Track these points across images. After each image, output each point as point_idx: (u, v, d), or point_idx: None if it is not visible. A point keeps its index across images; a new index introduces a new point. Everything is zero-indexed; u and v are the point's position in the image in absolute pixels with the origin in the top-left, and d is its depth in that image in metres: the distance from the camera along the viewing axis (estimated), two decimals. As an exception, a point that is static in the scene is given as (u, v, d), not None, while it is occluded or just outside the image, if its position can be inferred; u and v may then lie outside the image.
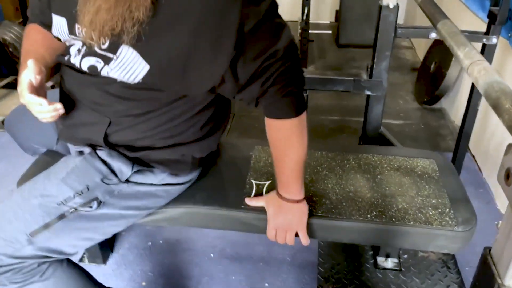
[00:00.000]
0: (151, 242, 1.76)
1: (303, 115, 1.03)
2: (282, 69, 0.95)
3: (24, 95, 0.94)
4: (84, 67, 0.98)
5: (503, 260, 0.46)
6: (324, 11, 4.20)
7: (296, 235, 1.13)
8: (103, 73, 0.95)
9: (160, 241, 1.77)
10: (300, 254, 1.69)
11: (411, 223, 1.10)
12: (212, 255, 1.71)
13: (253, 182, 1.24)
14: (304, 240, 1.14)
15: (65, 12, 0.98)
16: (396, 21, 1.58)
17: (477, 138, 2.13)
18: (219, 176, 1.27)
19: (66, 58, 1.03)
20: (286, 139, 1.04)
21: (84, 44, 0.97)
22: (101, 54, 0.94)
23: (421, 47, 3.48)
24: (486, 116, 2.09)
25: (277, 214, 1.13)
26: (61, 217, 1.03)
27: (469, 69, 0.59)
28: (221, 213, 1.17)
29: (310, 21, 3.17)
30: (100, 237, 1.13)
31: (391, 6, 1.53)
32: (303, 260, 1.66)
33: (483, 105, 1.91)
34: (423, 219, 1.11)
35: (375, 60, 1.68)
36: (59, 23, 1.01)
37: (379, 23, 1.59)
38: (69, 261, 1.14)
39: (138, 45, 0.90)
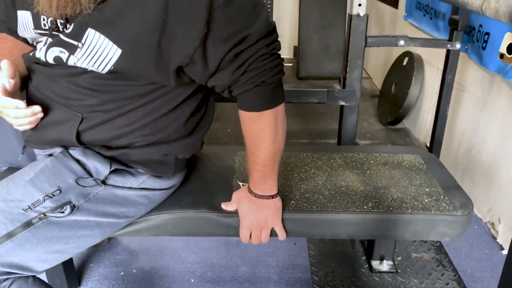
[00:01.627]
0: (124, 272, 1.61)
1: (280, 108, 0.95)
2: (255, 56, 0.87)
3: None
4: (50, 59, 0.89)
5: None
6: (283, 47, 4.31)
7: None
8: (70, 63, 0.87)
9: (134, 270, 1.62)
10: (287, 271, 1.60)
11: (409, 210, 1.06)
12: (192, 280, 1.58)
13: (240, 184, 1.17)
14: (281, 234, 1.08)
15: (30, 5, 0.89)
16: (366, 30, 1.62)
17: (445, 148, 2.18)
18: (204, 181, 1.19)
19: (31, 54, 0.95)
20: (259, 133, 0.96)
21: (49, 35, 0.89)
22: (66, 42, 0.86)
23: (377, 77, 3.62)
24: (451, 127, 2.16)
25: (250, 212, 1.05)
26: (28, 225, 0.91)
27: (484, 5, 0.58)
28: (210, 216, 1.08)
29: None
30: (73, 250, 1.00)
31: (361, 14, 1.57)
32: (290, 278, 1.57)
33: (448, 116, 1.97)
34: (420, 206, 1.08)
35: (347, 70, 1.70)
36: (24, 19, 0.92)
37: (350, 33, 1.63)
38: (35, 277, 0.99)
39: (106, 28, 0.83)
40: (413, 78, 2.53)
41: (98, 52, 0.84)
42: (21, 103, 0.87)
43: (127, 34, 0.83)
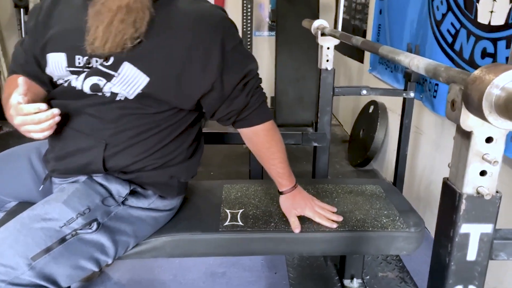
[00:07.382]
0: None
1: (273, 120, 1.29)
2: (257, 83, 1.22)
3: (18, 111, 0.99)
4: (86, 87, 1.10)
5: (458, 175, 0.65)
6: (259, 98, 4.63)
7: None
8: (105, 89, 1.10)
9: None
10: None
11: (370, 229, 1.27)
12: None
13: (227, 211, 1.36)
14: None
15: (64, 48, 1.12)
16: (333, 81, 1.89)
17: (407, 185, 2.43)
18: (196, 208, 1.37)
19: (65, 84, 1.14)
20: (270, 141, 1.26)
21: (86, 68, 1.10)
22: (104, 72, 1.09)
23: (347, 124, 3.93)
24: (412, 166, 2.41)
25: (291, 205, 1.31)
26: (62, 240, 1.06)
27: (411, 63, 0.82)
28: (202, 237, 1.26)
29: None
30: (91, 267, 1.12)
31: (329, 69, 1.85)
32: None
33: (409, 154, 2.23)
34: (379, 225, 1.28)
35: (318, 115, 1.95)
36: (56, 60, 1.13)
37: (320, 84, 1.90)
38: None
39: (138, 62, 1.08)
40: (378, 124, 2.81)
41: (130, 79, 1.09)
42: (43, 105, 0.99)
43: (155, 67, 1.09)
